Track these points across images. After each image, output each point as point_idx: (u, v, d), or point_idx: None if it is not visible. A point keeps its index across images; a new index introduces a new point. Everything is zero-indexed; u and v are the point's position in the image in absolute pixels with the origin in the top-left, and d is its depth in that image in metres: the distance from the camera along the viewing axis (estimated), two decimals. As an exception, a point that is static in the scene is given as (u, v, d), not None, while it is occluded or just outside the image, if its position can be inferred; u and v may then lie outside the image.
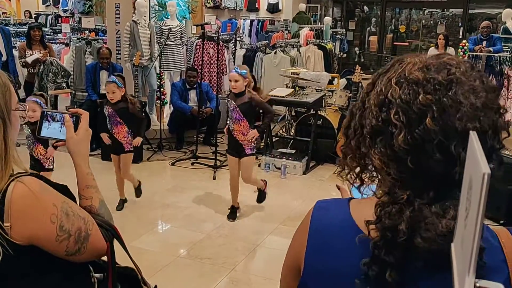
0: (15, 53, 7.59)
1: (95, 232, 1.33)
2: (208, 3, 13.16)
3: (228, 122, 4.67)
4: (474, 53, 7.28)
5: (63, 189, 1.33)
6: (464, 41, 6.93)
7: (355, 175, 0.98)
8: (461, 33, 12.12)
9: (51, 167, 4.41)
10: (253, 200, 4.97)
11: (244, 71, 4.52)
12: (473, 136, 0.65)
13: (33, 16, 13.93)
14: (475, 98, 0.84)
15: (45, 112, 1.47)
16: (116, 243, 1.43)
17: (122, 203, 4.98)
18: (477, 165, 0.59)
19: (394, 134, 0.86)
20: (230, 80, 4.54)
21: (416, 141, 0.84)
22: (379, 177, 0.93)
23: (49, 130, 1.46)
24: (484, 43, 8.05)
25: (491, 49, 7.65)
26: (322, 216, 1.00)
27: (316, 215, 1.01)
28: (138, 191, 5.01)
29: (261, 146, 6.67)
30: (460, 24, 12.44)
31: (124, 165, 4.84)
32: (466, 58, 6.55)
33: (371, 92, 0.93)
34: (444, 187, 0.84)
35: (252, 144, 4.60)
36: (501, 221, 4.58)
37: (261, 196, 4.90)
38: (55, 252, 1.25)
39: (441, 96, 0.84)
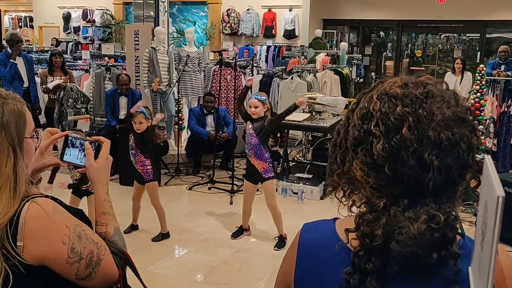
0: (37, 79, 7.76)
1: (107, 258, 1.33)
2: (226, 29, 13.34)
3: (245, 147, 4.70)
4: (492, 77, 7.24)
5: (79, 213, 1.34)
6: (482, 65, 6.90)
7: (343, 192, 1.02)
8: (478, 57, 12.07)
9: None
10: (270, 226, 4.95)
11: (264, 97, 4.59)
12: (488, 160, 0.66)
13: (60, 43, 14.27)
14: (448, 109, 0.90)
15: (69, 137, 1.48)
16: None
17: (132, 228, 4.96)
18: (492, 188, 0.60)
19: (373, 143, 0.91)
20: (250, 106, 4.58)
21: (393, 148, 0.89)
22: (362, 191, 0.97)
23: (71, 156, 1.47)
24: (502, 67, 8.02)
25: (509, 73, 7.61)
26: (309, 236, 1.06)
27: (303, 236, 1.07)
28: (163, 236, 4.87)
29: (278, 171, 6.67)
30: (477, 49, 12.41)
31: (150, 196, 4.77)
32: (483, 82, 6.52)
33: (356, 109, 0.99)
34: (418, 195, 0.89)
35: (269, 167, 4.60)
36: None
37: (281, 243, 4.73)
38: (66, 275, 1.25)
39: (417, 108, 0.90)
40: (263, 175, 4.59)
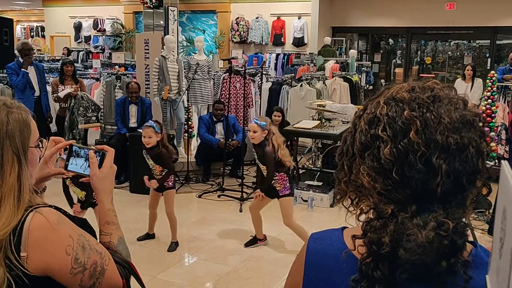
0: (48, 88, 7.82)
1: (111, 268, 1.32)
2: (235, 38, 13.39)
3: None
4: (504, 84, 7.18)
5: (82, 223, 1.34)
6: (493, 72, 6.85)
7: (351, 200, 1.01)
8: (488, 64, 12.01)
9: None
10: (280, 233, 4.92)
11: (264, 122, 4.46)
12: (505, 166, 0.65)
13: (71, 52, 14.42)
14: (455, 112, 0.90)
15: (73, 147, 1.48)
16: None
17: (147, 236, 4.92)
18: (510, 194, 0.58)
19: (380, 148, 0.90)
20: (249, 130, 4.51)
21: (400, 153, 0.88)
22: (370, 198, 0.96)
23: (76, 165, 1.47)
24: (513, 73, 7.97)
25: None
26: (316, 247, 1.04)
27: (311, 246, 1.05)
28: (172, 247, 4.79)
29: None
30: (487, 55, 12.34)
31: (166, 203, 4.76)
32: (495, 89, 6.47)
33: (363, 115, 0.97)
34: (426, 200, 0.88)
35: (286, 184, 4.53)
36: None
37: None
38: (69, 285, 1.25)
39: (424, 111, 0.89)
40: (280, 193, 4.54)
